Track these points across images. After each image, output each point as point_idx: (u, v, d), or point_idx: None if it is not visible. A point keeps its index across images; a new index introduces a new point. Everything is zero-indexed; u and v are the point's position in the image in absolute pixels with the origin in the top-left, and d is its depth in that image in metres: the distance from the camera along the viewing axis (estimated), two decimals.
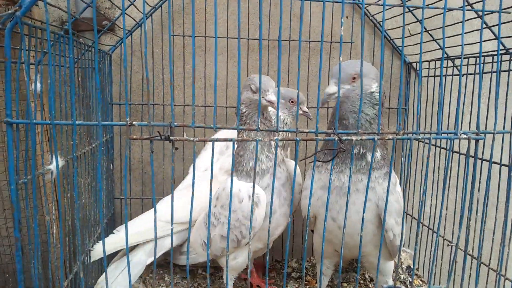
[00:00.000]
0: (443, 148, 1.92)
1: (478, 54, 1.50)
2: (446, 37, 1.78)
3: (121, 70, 1.99)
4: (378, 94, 1.23)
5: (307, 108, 1.74)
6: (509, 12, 1.20)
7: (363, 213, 1.06)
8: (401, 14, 1.83)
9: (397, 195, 1.26)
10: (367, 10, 2.03)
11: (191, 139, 0.96)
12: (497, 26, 1.09)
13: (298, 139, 0.98)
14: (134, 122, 0.94)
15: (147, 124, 0.96)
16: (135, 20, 1.91)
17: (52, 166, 1.13)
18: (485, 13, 1.11)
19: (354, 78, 1.21)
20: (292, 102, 1.69)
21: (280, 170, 1.39)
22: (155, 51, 2.00)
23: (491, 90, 1.53)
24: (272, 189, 1.07)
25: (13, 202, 0.93)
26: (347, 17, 2.04)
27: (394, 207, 1.23)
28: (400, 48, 2.08)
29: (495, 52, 1.17)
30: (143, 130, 1.94)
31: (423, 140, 1.89)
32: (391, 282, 1.40)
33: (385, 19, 2.05)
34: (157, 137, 0.94)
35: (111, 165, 1.96)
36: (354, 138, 0.98)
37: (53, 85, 0.97)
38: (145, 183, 2.10)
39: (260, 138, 1.01)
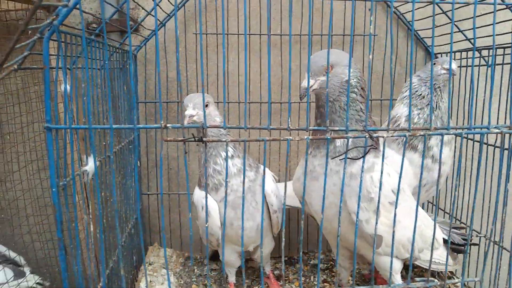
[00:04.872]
0: (474, 140, 1.90)
1: (507, 45, 1.48)
2: (473, 28, 1.75)
3: (145, 70, 2.03)
4: (353, 80, 1.23)
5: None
6: None
7: (323, 195, 1.06)
8: (425, 6, 1.81)
9: (365, 182, 1.22)
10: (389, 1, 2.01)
11: (223, 140, 0.99)
12: None
13: (329, 137, 0.99)
14: (168, 125, 0.97)
15: (180, 126, 0.99)
16: (159, 20, 1.94)
17: (88, 167, 1.18)
18: None
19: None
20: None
21: (237, 182, 1.38)
22: (179, 49, 2.02)
23: None
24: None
25: (55, 204, 0.98)
26: (369, 9, 2.02)
27: (356, 191, 1.19)
28: (424, 39, 2.05)
29: None
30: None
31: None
32: (395, 279, 1.38)
33: (409, 11, 2.04)
34: (191, 139, 0.96)
35: (138, 162, 2.01)
36: (385, 135, 0.99)
37: (89, 89, 1.01)
38: (170, 179, 2.14)
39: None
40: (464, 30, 1.82)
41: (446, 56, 2.05)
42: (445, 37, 1.98)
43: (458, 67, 1.53)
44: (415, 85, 1.63)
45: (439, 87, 1.59)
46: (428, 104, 1.58)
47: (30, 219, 2.01)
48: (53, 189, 0.98)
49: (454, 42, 1.95)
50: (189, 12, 2.01)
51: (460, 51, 1.92)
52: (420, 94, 1.61)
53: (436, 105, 1.59)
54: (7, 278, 1.61)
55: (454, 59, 1.97)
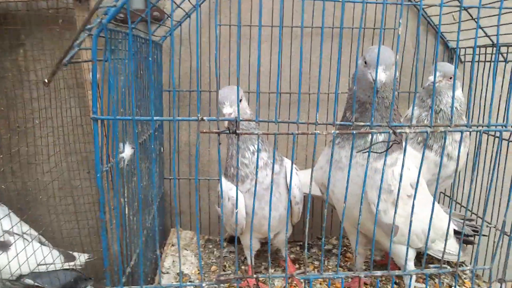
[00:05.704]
0: (494, 136, 1.91)
1: None
2: (492, 26, 1.78)
3: (169, 59, 2.09)
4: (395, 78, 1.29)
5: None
6: None
7: (346, 187, 1.13)
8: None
9: (386, 175, 1.27)
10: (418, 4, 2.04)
11: (256, 132, 1.06)
12: None
13: (354, 132, 1.05)
14: (204, 118, 1.04)
15: (216, 119, 1.06)
16: (184, 11, 1.99)
17: (124, 154, 1.26)
18: None
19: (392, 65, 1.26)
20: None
21: (263, 175, 1.45)
22: (202, 40, 2.08)
23: None
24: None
25: (99, 188, 1.06)
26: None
27: (378, 184, 1.24)
28: (443, 33, 2.09)
29: None
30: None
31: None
32: (409, 266, 1.47)
33: (429, 6, 2.06)
34: (225, 131, 1.03)
35: (161, 148, 2.09)
36: (407, 131, 1.05)
37: (132, 81, 1.08)
38: (191, 164, 2.22)
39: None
40: (484, 27, 1.85)
41: (465, 51, 2.09)
42: (464, 32, 2.00)
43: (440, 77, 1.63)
44: (420, 92, 1.74)
45: (439, 94, 1.67)
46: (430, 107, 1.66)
47: (56, 201, 2.12)
48: (98, 174, 1.05)
49: (472, 38, 1.98)
50: (213, 4, 2.06)
51: (479, 46, 1.95)
52: (423, 99, 1.71)
53: (439, 109, 1.67)
54: (54, 258, 1.72)
55: (472, 54, 2.01)
